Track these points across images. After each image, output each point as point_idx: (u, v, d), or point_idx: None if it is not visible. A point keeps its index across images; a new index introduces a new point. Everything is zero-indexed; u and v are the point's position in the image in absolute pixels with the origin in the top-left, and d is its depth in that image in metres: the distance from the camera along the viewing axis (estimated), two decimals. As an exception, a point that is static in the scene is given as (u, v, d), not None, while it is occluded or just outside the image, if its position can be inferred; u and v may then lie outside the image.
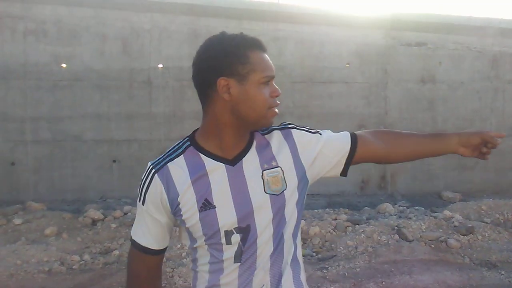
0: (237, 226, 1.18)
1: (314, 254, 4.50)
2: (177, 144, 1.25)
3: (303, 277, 1.31)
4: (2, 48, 6.03)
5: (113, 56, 6.27)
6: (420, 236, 4.63)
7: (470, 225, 4.79)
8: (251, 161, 1.22)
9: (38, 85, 6.01)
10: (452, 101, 7.00)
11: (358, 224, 4.91)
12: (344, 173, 1.31)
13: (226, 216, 1.18)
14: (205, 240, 1.20)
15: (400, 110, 6.87)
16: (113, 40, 6.27)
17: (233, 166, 1.20)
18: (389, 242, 4.54)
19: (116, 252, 4.27)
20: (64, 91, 6.18)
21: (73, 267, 4.03)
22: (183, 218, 1.19)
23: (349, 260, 4.25)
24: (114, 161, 6.25)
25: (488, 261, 4.29)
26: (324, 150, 1.28)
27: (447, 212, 5.15)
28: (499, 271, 4.08)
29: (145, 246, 1.25)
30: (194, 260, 1.28)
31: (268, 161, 1.22)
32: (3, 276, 3.85)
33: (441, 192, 6.68)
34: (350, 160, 1.30)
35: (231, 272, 1.21)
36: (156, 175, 1.20)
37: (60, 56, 6.20)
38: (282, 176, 1.22)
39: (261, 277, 1.21)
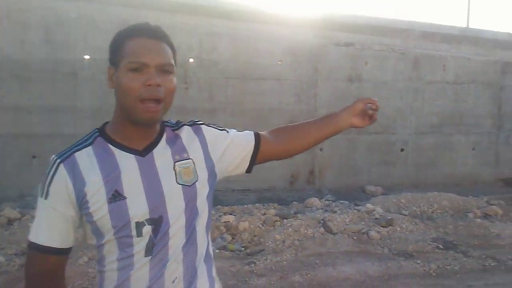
0: (148, 217, 1.16)
1: (243, 249, 4.54)
2: (86, 136, 1.21)
3: (215, 272, 1.33)
4: None
5: (35, 46, 5.90)
6: (344, 229, 4.82)
7: (390, 217, 5.07)
8: (162, 153, 1.21)
9: None
10: (377, 99, 7.33)
11: (286, 219, 5.02)
12: (249, 169, 1.37)
13: (137, 207, 1.15)
14: (114, 234, 1.15)
15: (328, 107, 7.09)
16: (36, 28, 5.90)
17: (143, 157, 1.19)
18: (315, 235, 4.69)
19: (35, 253, 4.04)
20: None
21: (-14, 269, 3.77)
22: (90, 210, 1.14)
23: (276, 254, 4.34)
24: (34, 157, 5.90)
25: (405, 251, 4.56)
26: (231, 146, 1.33)
27: (369, 205, 5.42)
28: (415, 260, 4.36)
29: (47, 245, 1.16)
30: (100, 260, 1.21)
31: (179, 153, 1.23)
32: None
33: (364, 186, 7.01)
34: (255, 157, 1.36)
35: (142, 266, 1.17)
36: (61, 165, 1.15)
37: None
38: (194, 168, 1.23)
39: (174, 269, 1.19)
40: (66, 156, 1.16)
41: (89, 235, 1.21)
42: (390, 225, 4.95)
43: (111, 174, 1.15)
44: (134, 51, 1.13)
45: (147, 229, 1.16)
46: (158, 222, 1.17)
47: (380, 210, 5.31)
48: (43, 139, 5.81)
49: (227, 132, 1.36)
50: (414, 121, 7.60)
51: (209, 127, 1.34)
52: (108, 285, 1.20)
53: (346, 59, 7.22)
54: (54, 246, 1.17)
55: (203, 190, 1.25)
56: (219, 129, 1.35)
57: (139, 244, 1.16)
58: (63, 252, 1.20)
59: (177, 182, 1.20)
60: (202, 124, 1.33)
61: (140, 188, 1.16)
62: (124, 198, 1.14)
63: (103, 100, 6.11)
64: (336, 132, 1.46)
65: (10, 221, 4.64)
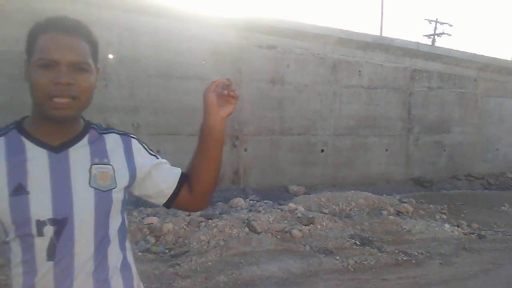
0: (51, 217, 1.09)
1: (167, 251, 4.45)
2: (2, 127, 1.15)
3: (136, 283, 1.27)
4: None
5: None
6: (268, 228, 4.92)
7: (311, 216, 5.26)
8: (79, 153, 1.16)
9: None
10: (298, 101, 7.59)
11: (211, 219, 5.01)
12: (167, 204, 1.29)
13: (40, 204, 1.09)
14: (15, 231, 1.09)
15: (252, 108, 7.19)
16: None
17: (56, 153, 1.13)
18: (240, 235, 4.73)
19: None
20: None
21: None
22: None
23: (201, 255, 4.31)
24: None
25: (325, 248, 4.76)
26: (154, 172, 1.27)
27: (292, 205, 5.58)
28: (335, 256, 4.56)
29: None
30: (8, 262, 1.14)
31: (100, 157, 1.18)
32: None
33: (287, 186, 7.20)
34: (176, 194, 1.28)
35: (46, 273, 1.10)
36: None
37: None
38: (113, 175, 1.18)
39: (83, 281, 1.12)
40: None
41: None
42: (311, 223, 5.13)
43: (17, 167, 1.09)
44: (45, 47, 1.08)
45: (48, 229, 1.09)
46: (61, 224, 1.10)
47: (302, 209, 5.48)
48: None
49: (157, 158, 1.30)
50: (333, 123, 7.95)
51: (140, 145, 1.29)
52: None
53: (269, 61, 7.36)
54: None
55: (118, 199, 1.19)
56: (149, 151, 1.30)
57: (40, 245, 1.09)
58: None
59: (90, 185, 1.13)
60: (133, 138, 1.29)
61: (46, 185, 1.10)
62: (27, 193, 1.08)
63: (13, 96, 5.66)
64: (218, 138, 1.29)
65: None
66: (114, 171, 1.18)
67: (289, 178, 7.47)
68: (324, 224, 5.23)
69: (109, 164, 1.18)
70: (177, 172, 1.30)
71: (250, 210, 5.47)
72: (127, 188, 1.23)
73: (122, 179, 1.19)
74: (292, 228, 4.95)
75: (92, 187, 1.13)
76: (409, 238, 5.28)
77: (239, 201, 5.78)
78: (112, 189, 1.16)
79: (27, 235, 1.09)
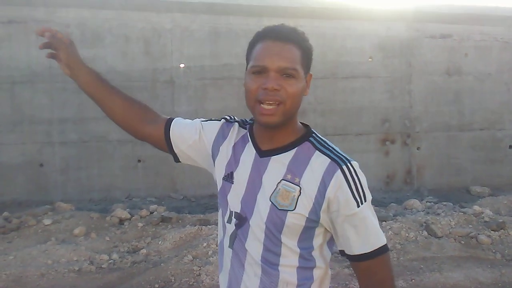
0: (238, 211, 1.20)
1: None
2: (251, 120, 1.31)
3: None
4: (28, 52, 6.15)
5: (135, 57, 6.33)
6: (450, 232, 4.53)
7: (501, 220, 4.67)
8: (278, 163, 1.17)
9: (63, 88, 6.11)
10: (479, 93, 6.83)
11: (385, 221, 4.83)
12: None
13: (235, 197, 1.21)
14: (222, 210, 1.27)
15: (425, 103, 6.74)
16: (135, 40, 6.33)
17: (260, 158, 1.19)
18: (418, 238, 4.46)
19: (144, 251, 4.32)
20: (89, 93, 6.25)
21: (102, 266, 4.09)
22: (217, 168, 1.28)
23: (376, 257, 4.19)
24: (139, 160, 6.32)
25: (521, 257, 4.18)
26: (345, 226, 1.14)
27: (476, 207, 5.04)
28: (533, 267, 3.97)
29: (170, 127, 1.35)
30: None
31: (293, 174, 1.15)
32: (35, 275, 3.94)
33: (469, 187, 6.53)
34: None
35: (227, 258, 1.24)
36: (223, 119, 1.35)
37: (84, 58, 6.02)
38: (296, 197, 1.13)
39: (251, 280, 1.17)
40: (232, 121, 1.34)
41: None
42: (501, 229, 4.55)
43: (235, 157, 1.23)
44: (258, 54, 1.14)
45: (234, 221, 1.21)
46: (242, 221, 1.19)
47: (489, 213, 4.91)
48: (146, 144, 6.16)
49: (359, 206, 1.13)
50: (523, 115, 6.95)
51: (345, 180, 1.12)
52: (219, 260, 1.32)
53: (442, 51, 6.80)
54: (172, 134, 1.36)
55: (294, 223, 1.13)
56: (352, 198, 1.12)
57: (229, 231, 1.22)
58: (167, 138, 1.36)
59: (269, 198, 1.15)
60: (342, 169, 1.13)
61: (243, 184, 1.20)
62: (232, 182, 1.22)
63: (198, 105, 6.38)
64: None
65: (121, 221, 5.01)
66: (300, 194, 1.13)
67: (471, 178, 6.76)
68: (518, 230, 4.59)
69: (298, 185, 1.13)
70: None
71: (428, 213, 5.11)
72: (310, 223, 1.14)
73: (305, 206, 1.13)
74: (479, 233, 4.46)
75: (270, 201, 1.15)
76: None
77: (414, 202, 5.45)
78: (288, 210, 1.12)
79: (223, 218, 1.25)
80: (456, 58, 6.80)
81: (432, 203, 5.55)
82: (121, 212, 5.08)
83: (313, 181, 1.13)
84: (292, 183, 1.14)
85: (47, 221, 4.87)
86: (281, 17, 6.51)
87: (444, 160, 6.76)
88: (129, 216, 5.07)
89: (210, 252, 4.18)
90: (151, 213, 5.22)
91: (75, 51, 1.37)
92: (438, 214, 4.97)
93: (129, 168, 6.34)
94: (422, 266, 4.06)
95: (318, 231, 1.17)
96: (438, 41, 6.78)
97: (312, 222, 1.14)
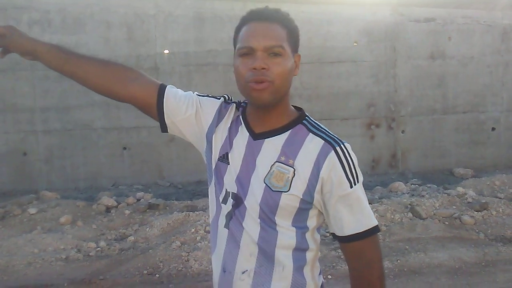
0: (235, 192, 1.19)
1: (328, 233, 4.50)
2: (243, 102, 1.30)
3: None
4: (8, 39, 6.02)
5: (118, 43, 6.23)
6: (434, 214, 4.62)
7: (484, 201, 4.77)
8: (272, 145, 1.18)
9: (45, 75, 6.00)
10: (463, 76, 6.91)
11: (371, 204, 4.89)
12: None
13: (231, 178, 1.21)
14: (215, 189, 1.26)
15: (410, 87, 6.79)
16: (118, 26, 6.22)
17: (254, 140, 1.20)
18: (403, 220, 4.54)
19: (131, 238, 4.31)
20: (71, 80, 6.11)
21: (90, 254, 4.07)
22: (212, 147, 1.25)
23: (363, 239, 4.25)
24: (125, 148, 6.27)
25: (503, 236, 4.28)
26: (331, 210, 1.15)
27: (460, 189, 5.13)
28: (515, 246, 4.07)
29: (164, 95, 1.27)
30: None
31: (287, 156, 1.15)
32: (22, 264, 3.91)
33: (452, 169, 6.64)
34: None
35: (222, 238, 1.22)
36: (222, 98, 1.31)
37: (66, 45, 6.13)
38: (290, 178, 1.13)
39: (247, 257, 1.18)
40: (230, 102, 1.31)
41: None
42: (484, 209, 4.65)
43: (229, 139, 1.23)
44: (244, 36, 1.15)
45: (230, 201, 1.20)
46: (239, 201, 1.19)
47: (472, 194, 5.00)
48: (131, 131, 6.14)
49: (352, 186, 1.13)
50: (505, 97, 7.04)
51: (339, 161, 1.12)
52: (211, 239, 1.31)
53: (427, 35, 6.84)
54: (161, 100, 1.29)
55: (288, 204, 1.14)
56: (345, 178, 1.13)
57: (223, 211, 1.22)
58: (159, 105, 1.28)
59: (263, 180, 1.16)
60: (336, 150, 1.13)
61: (237, 165, 1.20)
62: (228, 163, 1.21)
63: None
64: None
65: (107, 209, 4.98)
66: (294, 175, 1.13)
67: (454, 160, 6.87)
68: (500, 210, 4.70)
69: (291, 167, 1.14)
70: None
71: (412, 195, 5.19)
72: (304, 202, 1.14)
73: (298, 187, 1.13)
74: (462, 214, 4.55)
75: (264, 182, 1.15)
76: None
77: (399, 185, 5.52)
78: (282, 191, 1.13)
79: (217, 198, 1.24)
80: (440, 42, 6.84)
81: (416, 185, 5.63)
82: (107, 200, 5.05)
83: (307, 162, 1.13)
84: (286, 165, 1.14)
85: (32, 210, 4.82)
86: (267, 2, 6.45)
87: (429, 143, 6.85)
88: (115, 203, 5.04)
89: (198, 238, 4.19)
90: (138, 200, 5.20)
91: (22, 35, 1.29)
92: (423, 196, 5.05)
93: (114, 156, 6.29)
94: (407, 247, 4.13)
95: (312, 213, 1.18)
96: (422, 25, 6.81)
97: (305, 204, 1.15)
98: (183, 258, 3.91)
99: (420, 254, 3.99)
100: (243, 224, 1.18)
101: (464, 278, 3.66)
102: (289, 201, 1.13)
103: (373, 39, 6.71)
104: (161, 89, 1.28)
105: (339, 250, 4.09)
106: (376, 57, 6.74)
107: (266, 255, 1.17)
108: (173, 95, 1.27)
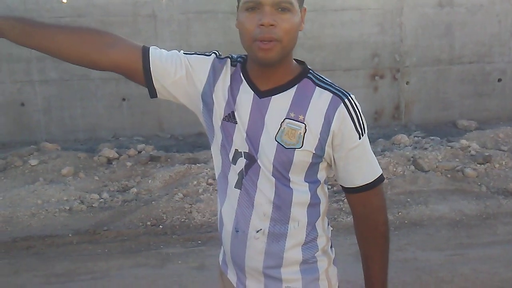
0: (247, 151, 1.16)
1: (330, 187, 4.52)
2: (237, 56, 1.23)
3: (322, 250, 1.25)
4: (-1, -16, 5.76)
5: (114, -11, 5.97)
6: (436, 166, 4.61)
7: (487, 154, 4.74)
8: (280, 102, 1.15)
9: (40, 23, 5.79)
10: (471, 25, 6.68)
11: (373, 156, 4.87)
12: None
13: (240, 137, 1.17)
14: (220, 150, 1.21)
15: (416, 37, 6.58)
16: (113, -29, 5.94)
17: (260, 98, 1.15)
18: (405, 173, 4.54)
19: (134, 190, 4.32)
20: (67, 28, 5.95)
21: (93, 205, 4.10)
22: (213, 113, 1.19)
23: (365, 192, 4.26)
24: (124, 99, 6.16)
25: (505, 189, 4.30)
26: (341, 163, 1.17)
27: (463, 141, 5.09)
28: (516, 198, 4.10)
29: (150, 57, 1.16)
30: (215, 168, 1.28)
31: (297, 111, 1.13)
32: (25, 215, 3.94)
33: (456, 121, 6.58)
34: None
35: (233, 199, 1.20)
36: (213, 54, 1.22)
37: None
38: (302, 134, 1.12)
39: (260, 217, 1.18)
40: (222, 56, 1.23)
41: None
42: (487, 162, 4.63)
43: (232, 97, 1.17)
44: None
45: (241, 161, 1.17)
46: (251, 161, 1.16)
47: (476, 146, 4.96)
48: (130, 82, 5.97)
49: (360, 137, 1.15)
50: (514, 47, 6.86)
51: (348, 114, 1.12)
52: (219, 201, 1.27)
53: (435, -19, 6.55)
54: (148, 63, 1.17)
55: (302, 160, 1.13)
56: (355, 130, 1.14)
57: (233, 172, 1.19)
58: (146, 70, 1.17)
59: (275, 138, 1.13)
60: (345, 103, 1.13)
61: (245, 124, 1.16)
62: (235, 122, 1.16)
63: (182, 40, 6.15)
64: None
65: (109, 161, 4.96)
66: (305, 131, 1.12)
67: (458, 112, 6.78)
68: (503, 163, 4.68)
69: (302, 123, 1.12)
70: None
71: (415, 147, 5.15)
72: (316, 156, 1.14)
73: (311, 143, 1.12)
74: (465, 167, 4.54)
75: (276, 140, 1.13)
76: None
77: (402, 137, 5.48)
78: (295, 148, 1.12)
79: (226, 158, 1.20)
80: (449, -12, 6.57)
81: (419, 137, 5.59)
82: (108, 151, 5.02)
83: (318, 116, 1.12)
84: (297, 121, 1.13)
85: (33, 162, 4.81)
86: None
87: (433, 95, 6.74)
88: (117, 155, 5.02)
89: (200, 190, 4.20)
90: (139, 152, 5.17)
91: None
92: (426, 148, 5.02)
93: (113, 107, 6.20)
94: (408, 199, 4.15)
95: (321, 166, 1.19)
96: (431, -30, 6.51)
97: (317, 158, 1.15)
98: (186, 210, 3.94)
99: (421, 206, 4.02)
100: (258, 183, 1.16)
101: (464, 230, 3.71)
102: (303, 157, 1.13)
103: (379, -14, 6.44)
104: (145, 52, 1.17)
105: (340, 203, 4.12)
106: (382, 4, 6.49)
107: (281, 213, 1.17)
108: (158, 57, 1.17)
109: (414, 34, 6.58)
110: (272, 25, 1.05)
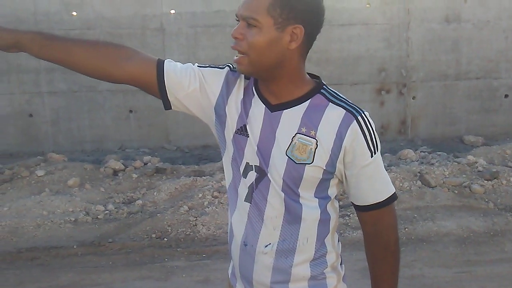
0: (257, 165, 1.16)
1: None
2: None
3: (332, 266, 1.24)
4: (10, -3, 5.86)
5: (124, 2, 6.06)
6: (443, 182, 4.57)
7: (495, 170, 4.71)
8: (291, 117, 1.15)
9: (49, 35, 5.86)
10: (477, 41, 6.69)
11: (379, 171, 4.85)
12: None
13: (252, 150, 1.17)
14: (231, 163, 1.22)
15: (422, 52, 6.60)
16: (123, -15, 6.03)
17: (271, 112, 1.16)
18: (412, 188, 4.51)
19: (140, 202, 4.32)
20: (76, 40, 6.03)
21: (98, 216, 4.10)
22: (225, 124, 1.19)
23: (371, 207, 4.24)
24: (131, 111, 6.21)
25: (513, 206, 4.25)
26: (353, 180, 1.16)
27: (470, 157, 5.06)
28: (524, 216, 4.05)
29: (164, 71, 1.17)
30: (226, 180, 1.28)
31: (308, 127, 1.13)
32: (31, 226, 3.94)
33: (463, 136, 6.55)
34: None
35: (243, 212, 1.20)
36: (228, 67, 1.22)
37: (71, 4, 6.00)
38: (313, 150, 1.12)
39: (270, 231, 1.17)
40: (236, 70, 1.21)
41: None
42: (495, 178, 4.60)
43: (245, 110, 1.17)
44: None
45: (251, 174, 1.17)
46: (262, 174, 1.16)
47: (483, 162, 4.93)
48: (137, 94, 6.04)
49: (372, 155, 1.14)
50: (521, 63, 6.85)
51: (361, 131, 1.12)
52: (230, 209, 1.27)
53: (442, -3, 6.59)
54: (163, 76, 1.18)
55: (312, 176, 1.13)
56: (367, 148, 1.13)
57: (243, 185, 1.18)
58: (159, 83, 1.18)
59: (285, 152, 1.13)
60: (357, 120, 1.12)
61: (256, 138, 1.16)
62: (247, 136, 1.16)
63: (190, 54, 6.20)
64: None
65: (115, 172, 4.98)
66: (317, 146, 1.12)
67: (465, 127, 6.76)
68: (511, 179, 4.64)
69: (314, 138, 1.12)
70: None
71: (422, 163, 5.13)
72: (327, 172, 1.14)
73: (322, 159, 1.12)
74: (472, 183, 4.51)
75: (287, 155, 1.13)
76: None
77: (409, 152, 5.46)
78: (306, 163, 1.12)
79: (236, 171, 1.20)
80: (456, 4, 6.60)
81: (426, 153, 5.56)
82: (115, 163, 5.04)
83: (329, 133, 1.12)
84: (308, 136, 1.13)
85: (40, 172, 4.83)
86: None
87: (439, 110, 6.73)
88: (123, 167, 5.03)
89: (205, 203, 4.19)
90: (145, 164, 5.19)
91: (0, 29, 1.18)
92: (432, 164, 4.99)
93: (121, 118, 6.24)
94: (415, 215, 4.12)
95: (332, 183, 1.19)
96: (437, -14, 6.55)
97: (328, 174, 1.15)
98: (191, 222, 3.93)
99: (428, 222, 3.99)
100: (268, 198, 1.16)
101: (472, 247, 3.66)
102: (313, 173, 1.13)
103: (386, 1, 6.47)
104: (160, 65, 1.19)
105: (346, 218, 4.09)
106: (389, 19, 6.53)
107: (290, 228, 1.17)
108: (172, 70, 1.19)
109: (421, 49, 6.59)
110: (236, 37, 1.09)
